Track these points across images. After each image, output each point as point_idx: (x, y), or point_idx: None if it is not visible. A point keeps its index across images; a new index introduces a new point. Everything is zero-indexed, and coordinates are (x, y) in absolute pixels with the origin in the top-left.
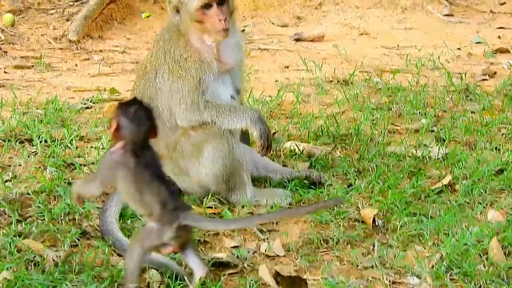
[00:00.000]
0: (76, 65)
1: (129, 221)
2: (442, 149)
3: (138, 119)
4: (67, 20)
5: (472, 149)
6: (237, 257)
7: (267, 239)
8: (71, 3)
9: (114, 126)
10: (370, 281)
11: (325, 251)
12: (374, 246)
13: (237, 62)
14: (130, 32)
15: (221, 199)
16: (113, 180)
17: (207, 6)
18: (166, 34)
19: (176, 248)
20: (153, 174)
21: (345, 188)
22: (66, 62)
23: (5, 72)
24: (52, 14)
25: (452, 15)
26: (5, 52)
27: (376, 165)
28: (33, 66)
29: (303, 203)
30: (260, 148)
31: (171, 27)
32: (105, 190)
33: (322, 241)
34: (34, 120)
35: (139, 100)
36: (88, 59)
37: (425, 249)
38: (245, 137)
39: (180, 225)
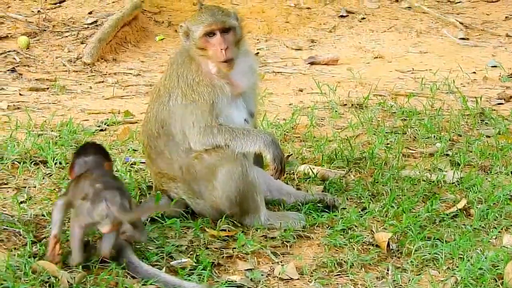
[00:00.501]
0: (91, 87)
1: (143, 243)
2: (457, 173)
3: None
4: (82, 42)
5: (487, 173)
6: (251, 279)
7: (281, 262)
8: (86, 26)
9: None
10: None
11: (339, 275)
12: (388, 270)
13: (250, 86)
14: (144, 55)
15: (235, 222)
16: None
17: (210, 34)
18: (179, 57)
19: (113, 228)
20: (95, 176)
21: (359, 212)
22: (80, 84)
23: (20, 94)
24: (66, 36)
25: (467, 38)
26: (20, 74)
27: (390, 189)
28: (47, 88)
29: (317, 226)
30: (273, 171)
31: (183, 50)
32: None
33: (336, 265)
34: (49, 142)
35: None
36: (103, 81)
37: (439, 273)
38: (258, 159)
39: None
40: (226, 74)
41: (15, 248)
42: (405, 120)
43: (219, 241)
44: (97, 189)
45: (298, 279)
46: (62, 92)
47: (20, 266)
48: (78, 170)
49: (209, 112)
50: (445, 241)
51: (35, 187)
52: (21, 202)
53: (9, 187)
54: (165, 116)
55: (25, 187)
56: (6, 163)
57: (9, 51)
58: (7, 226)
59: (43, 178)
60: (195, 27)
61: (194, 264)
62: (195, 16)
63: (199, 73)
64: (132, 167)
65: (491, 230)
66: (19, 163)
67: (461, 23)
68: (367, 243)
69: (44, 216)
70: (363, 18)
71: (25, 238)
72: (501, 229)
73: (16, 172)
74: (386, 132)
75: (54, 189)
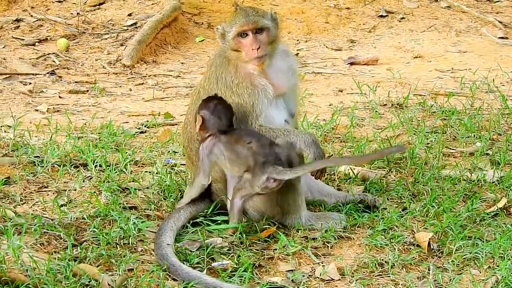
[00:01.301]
0: (130, 89)
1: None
2: (497, 172)
3: (219, 112)
4: (121, 45)
5: None
6: (292, 281)
7: (322, 262)
8: (125, 28)
9: (200, 122)
10: None
11: (380, 275)
12: (429, 270)
13: (290, 86)
14: (184, 57)
15: (275, 222)
16: (213, 164)
17: (243, 34)
18: (218, 59)
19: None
20: (241, 134)
21: (400, 212)
22: (120, 86)
23: (60, 97)
24: (106, 39)
25: (507, 37)
26: (60, 77)
27: (431, 189)
28: (87, 91)
29: (357, 227)
30: (314, 171)
31: (222, 52)
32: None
33: (377, 265)
34: (89, 144)
35: (218, 96)
36: (142, 83)
37: (480, 272)
38: (300, 160)
39: (269, 177)
40: (266, 75)
41: (55, 252)
42: (445, 119)
43: (260, 242)
44: (259, 163)
45: (339, 279)
46: (101, 95)
47: (60, 269)
48: (212, 127)
49: (249, 113)
50: (486, 240)
51: (75, 190)
52: (62, 205)
53: (50, 190)
54: None
55: (65, 190)
56: (46, 166)
57: (48, 54)
58: (47, 230)
59: (83, 181)
60: (229, 28)
61: (235, 266)
62: (230, 18)
63: (238, 74)
64: (172, 169)
65: None
66: (59, 166)
67: (500, 22)
68: (408, 243)
69: (85, 219)
70: (403, 18)
71: (66, 241)
72: None
73: (56, 175)
74: (426, 132)
75: (94, 192)
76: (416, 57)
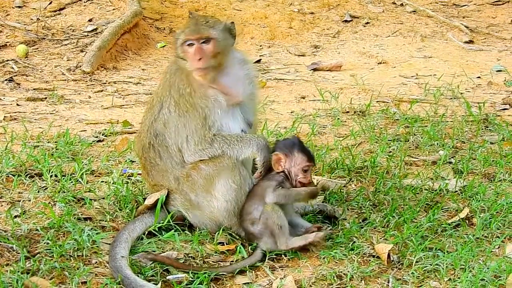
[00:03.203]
0: (90, 97)
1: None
2: (460, 181)
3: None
4: (81, 51)
5: (491, 181)
6: None
7: (280, 275)
8: (86, 34)
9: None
10: None
11: None
12: (389, 282)
13: (247, 95)
14: (145, 63)
15: (233, 234)
16: None
17: (188, 43)
18: (174, 66)
19: None
20: None
21: (360, 223)
22: (79, 94)
23: (17, 104)
24: (66, 45)
25: (473, 42)
26: (18, 84)
27: (392, 199)
28: (46, 98)
29: None
30: (258, 174)
31: (178, 60)
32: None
33: (335, 277)
34: (45, 154)
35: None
36: (102, 90)
37: (441, 284)
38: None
39: None
40: (220, 84)
41: (7, 264)
42: (408, 127)
43: (217, 254)
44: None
45: None
46: (60, 102)
47: (12, 282)
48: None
49: (202, 124)
50: (447, 251)
51: (29, 200)
52: (15, 217)
53: (3, 201)
54: (158, 127)
55: (19, 201)
56: (1, 176)
57: (7, 60)
58: (0, 241)
59: (38, 191)
60: (178, 35)
61: (190, 278)
62: (184, 25)
63: (190, 83)
64: (129, 178)
65: (493, 240)
66: (14, 176)
67: (466, 26)
68: (368, 254)
69: (38, 230)
70: (367, 23)
71: (19, 253)
72: (504, 238)
73: (11, 185)
74: (388, 140)
75: (49, 203)
76: (381, 63)
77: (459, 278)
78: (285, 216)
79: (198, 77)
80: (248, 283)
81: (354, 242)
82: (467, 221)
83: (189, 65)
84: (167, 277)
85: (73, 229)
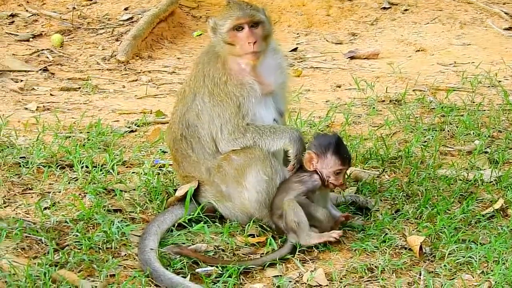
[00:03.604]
0: (124, 86)
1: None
2: (495, 171)
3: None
4: (117, 40)
5: None
6: (278, 287)
7: (310, 268)
8: (121, 23)
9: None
10: None
11: (369, 281)
12: (420, 275)
13: (279, 85)
14: (180, 52)
15: (264, 225)
16: None
17: (238, 28)
18: (205, 56)
19: None
20: None
21: (392, 214)
22: (113, 83)
23: (51, 94)
24: (101, 34)
25: None
26: (52, 73)
27: (425, 189)
28: (79, 88)
29: (348, 230)
30: (291, 167)
31: (210, 49)
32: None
33: (366, 270)
34: (76, 144)
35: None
36: (136, 80)
37: (473, 277)
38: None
39: None
40: (255, 72)
41: (35, 257)
42: (444, 116)
43: (247, 246)
44: None
45: (327, 285)
46: (94, 92)
47: (40, 275)
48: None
49: (236, 113)
50: (480, 243)
51: (60, 192)
52: (45, 208)
53: (34, 193)
54: (190, 118)
55: (49, 192)
56: (32, 167)
57: (42, 50)
58: (29, 234)
59: (69, 183)
60: (222, 21)
61: (219, 271)
62: (223, 11)
63: (226, 71)
64: (160, 169)
65: None
66: (45, 167)
67: (506, 13)
68: (400, 246)
69: (67, 222)
70: (406, 10)
71: (47, 246)
72: None
73: (42, 176)
74: (423, 129)
75: (79, 194)
76: (419, 51)
77: (492, 271)
78: (320, 205)
79: (250, 61)
80: (278, 276)
81: (386, 234)
82: (501, 212)
83: (239, 50)
84: (196, 270)
85: (103, 221)
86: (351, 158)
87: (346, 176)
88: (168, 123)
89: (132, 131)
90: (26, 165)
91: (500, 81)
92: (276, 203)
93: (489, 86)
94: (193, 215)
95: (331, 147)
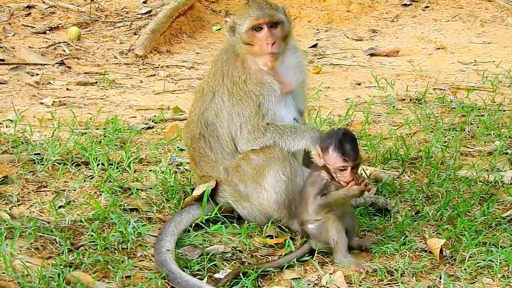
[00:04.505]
0: (141, 81)
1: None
2: None
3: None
4: (135, 33)
5: None
6: None
7: (329, 270)
8: (140, 16)
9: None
10: None
11: (389, 284)
12: (440, 279)
13: (299, 83)
14: (199, 46)
15: (282, 226)
16: None
17: (257, 28)
18: (224, 54)
19: None
20: None
21: (412, 216)
22: (131, 78)
23: (67, 89)
24: (119, 27)
25: None
26: (69, 67)
27: (446, 191)
28: (96, 82)
29: (368, 231)
30: None
31: (229, 47)
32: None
33: (386, 273)
34: (92, 141)
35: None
36: (154, 75)
37: (494, 281)
38: (309, 161)
39: None
40: (275, 71)
41: (50, 257)
42: (464, 116)
43: (265, 248)
44: None
45: None
46: (111, 87)
47: (54, 276)
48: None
49: (256, 112)
50: (501, 246)
51: (75, 190)
52: (60, 207)
53: (49, 190)
54: (209, 116)
55: (64, 190)
56: (47, 164)
57: (59, 43)
58: (43, 233)
59: (84, 181)
60: (241, 21)
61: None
62: (242, 10)
63: (246, 70)
64: (178, 168)
65: None
66: (60, 164)
67: None
68: (420, 249)
69: (83, 222)
70: (427, 7)
71: (62, 246)
72: None
73: (57, 174)
74: (444, 129)
75: (95, 193)
76: (439, 48)
77: None
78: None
79: (268, 62)
80: (296, 278)
81: (406, 236)
82: None
83: (258, 50)
84: (215, 275)
85: (118, 220)
86: (357, 155)
87: (362, 175)
88: (186, 120)
89: (149, 127)
90: (41, 162)
91: None
92: (298, 207)
93: (509, 86)
94: (210, 215)
95: (333, 142)
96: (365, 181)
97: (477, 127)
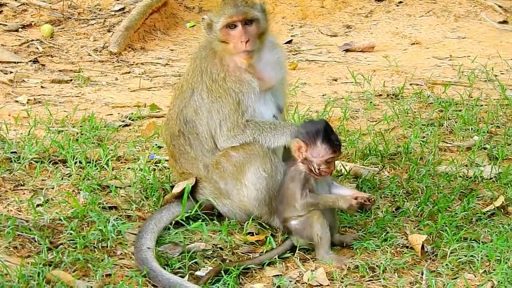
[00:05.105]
0: (116, 78)
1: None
2: (495, 168)
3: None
4: (108, 31)
5: None
6: (278, 287)
7: (311, 267)
8: (113, 13)
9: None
10: None
11: (371, 280)
12: (422, 275)
13: (278, 80)
14: (174, 43)
15: (263, 223)
16: None
17: (231, 26)
18: (203, 51)
19: None
20: None
21: (393, 212)
22: (106, 75)
23: (42, 87)
24: (92, 24)
25: (506, 22)
26: (43, 65)
27: (426, 186)
28: (71, 80)
29: (349, 228)
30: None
31: (207, 44)
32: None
33: (368, 269)
34: (69, 139)
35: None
36: (129, 72)
37: (475, 277)
38: (289, 157)
39: None
40: (254, 68)
41: (29, 256)
42: (442, 111)
43: (246, 245)
44: None
45: (328, 285)
46: (86, 84)
47: (33, 275)
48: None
49: (235, 109)
50: (482, 242)
51: (53, 188)
52: (38, 205)
53: (26, 189)
54: (188, 114)
55: (42, 189)
56: (23, 163)
57: (32, 41)
58: (21, 232)
59: (62, 179)
60: (216, 18)
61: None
62: (218, 8)
63: (224, 68)
64: (156, 165)
65: None
66: (37, 162)
67: (500, 6)
68: (401, 245)
69: (61, 220)
70: (401, 2)
71: (41, 244)
72: None
73: (34, 172)
74: (422, 125)
75: (73, 191)
76: (414, 44)
77: (494, 270)
78: (322, 191)
79: (243, 60)
80: (278, 275)
81: (388, 232)
82: (502, 209)
83: (232, 48)
84: (196, 273)
85: (98, 218)
86: (341, 144)
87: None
88: (163, 117)
89: (126, 125)
90: (18, 160)
91: (496, 76)
92: (279, 206)
93: (485, 81)
94: (190, 212)
95: (320, 135)
96: (372, 199)
97: (455, 122)
